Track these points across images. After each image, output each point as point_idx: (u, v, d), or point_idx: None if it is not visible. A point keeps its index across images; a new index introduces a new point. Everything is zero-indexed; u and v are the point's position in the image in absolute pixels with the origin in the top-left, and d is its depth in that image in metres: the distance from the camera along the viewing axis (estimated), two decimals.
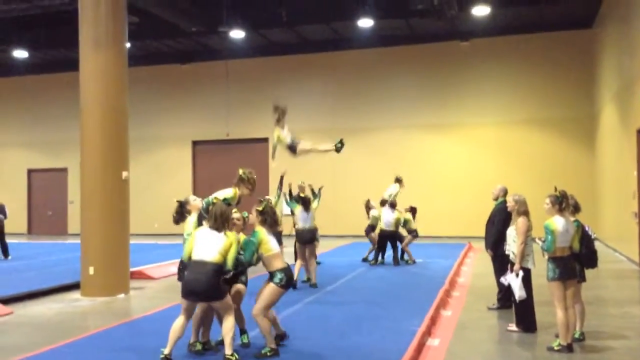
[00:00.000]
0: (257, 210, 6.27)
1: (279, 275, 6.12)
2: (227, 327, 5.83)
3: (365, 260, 14.19)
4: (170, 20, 18.17)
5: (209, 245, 5.81)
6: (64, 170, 24.86)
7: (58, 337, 7.10)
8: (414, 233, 14.10)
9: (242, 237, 6.33)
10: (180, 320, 5.91)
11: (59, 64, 23.79)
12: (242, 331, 6.53)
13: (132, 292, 10.38)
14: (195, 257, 5.83)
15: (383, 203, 14.01)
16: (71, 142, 23.64)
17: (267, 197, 7.17)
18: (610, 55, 16.34)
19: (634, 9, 12.75)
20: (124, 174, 10.44)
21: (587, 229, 6.78)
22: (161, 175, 23.57)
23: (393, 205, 13.83)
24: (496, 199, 8.75)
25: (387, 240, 13.73)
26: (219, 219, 5.91)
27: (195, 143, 23.98)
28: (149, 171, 22.72)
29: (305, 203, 10.98)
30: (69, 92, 23.36)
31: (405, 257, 14.05)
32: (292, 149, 9.79)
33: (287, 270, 6.21)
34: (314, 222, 10.94)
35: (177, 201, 7.10)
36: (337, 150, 9.36)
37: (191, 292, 5.79)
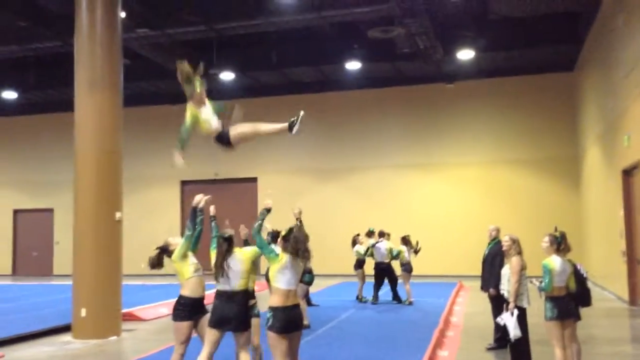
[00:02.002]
0: (282, 238, 5.73)
1: (267, 315, 5.39)
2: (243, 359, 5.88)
3: (359, 299, 14.11)
4: (160, 63, 18.41)
5: (231, 274, 5.86)
6: (50, 211, 24.67)
7: None
8: (406, 267, 13.64)
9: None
10: (204, 356, 5.83)
11: (47, 105, 23.88)
12: None
13: (123, 334, 10.26)
14: (220, 288, 5.91)
15: (369, 234, 14.10)
16: (57, 182, 23.64)
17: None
18: (592, 97, 16.78)
19: (614, 52, 13.19)
20: (117, 214, 10.44)
21: (579, 267, 6.89)
22: (149, 215, 23.48)
23: (382, 235, 13.87)
24: (494, 239, 8.85)
25: (382, 273, 13.69)
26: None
27: (183, 183, 24.00)
28: (137, 211, 22.59)
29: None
30: (57, 133, 23.47)
31: (404, 296, 13.82)
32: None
33: (279, 312, 5.32)
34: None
35: (157, 248, 6.53)
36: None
37: (223, 320, 5.83)
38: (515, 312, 7.05)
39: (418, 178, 21.52)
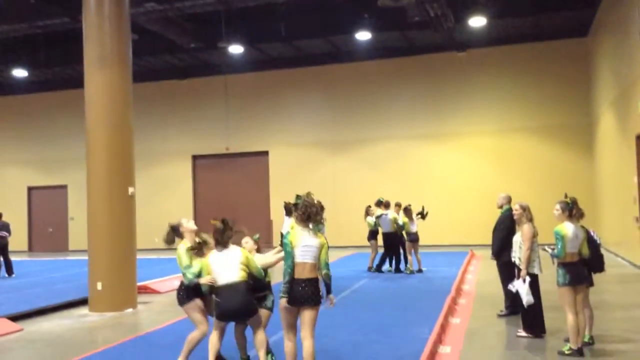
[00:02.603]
0: (293, 206, 5.67)
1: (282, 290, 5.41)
2: (259, 340, 5.87)
3: (371, 269, 14.20)
4: (168, 37, 18.34)
5: (228, 267, 5.79)
6: (64, 187, 24.92)
7: (71, 353, 7.14)
8: (412, 236, 13.71)
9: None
10: (215, 336, 5.88)
11: (58, 82, 23.96)
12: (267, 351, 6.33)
13: (139, 307, 10.42)
14: (220, 282, 5.80)
15: (378, 204, 14.16)
16: (71, 159, 23.80)
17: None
18: (606, 63, 16.54)
19: (629, 16, 12.94)
20: (130, 189, 10.51)
21: (592, 233, 6.87)
22: (162, 190, 23.63)
23: (387, 206, 13.96)
24: (501, 207, 8.84)
25: (389, 243, 13.84)
26: (221, 237, 5.85)
27: (195, 157, 24.08)
28: (150, 186, 22.75)
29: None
30: (68, 110, 23.55)
31: (402, 266, 13.93)
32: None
33: (292, 284, 5.34)
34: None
35: (170, 225, 6.44)
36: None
37: (228, 313, 5.81)
38: (528, 279, 7.07)
39: (430, 148, 21.42)
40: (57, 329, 8.83)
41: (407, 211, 13.94)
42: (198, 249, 6.16)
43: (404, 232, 13.84)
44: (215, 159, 23.89)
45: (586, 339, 6.69)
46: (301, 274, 5.34)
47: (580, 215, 6.77)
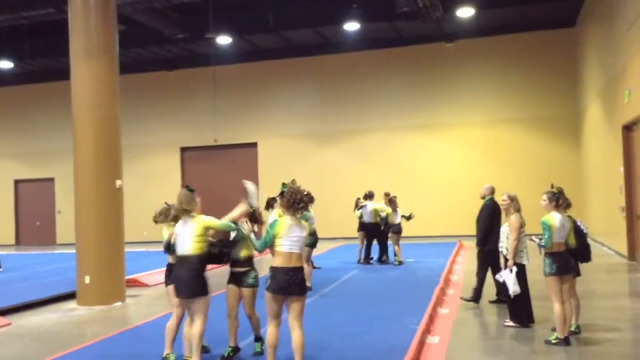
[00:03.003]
0: (279, 195, 5.69)
1: (268, 275, 5.42)
2: (196, 331, 5.59)
3: (360, 261, 14.25)
4: (155, 28, 18.20)
5: (183, 239, 5.68)
6: (51, 180, 24.75)
7: (59, 347, 7.11)
8: (394, 228, 13.71)
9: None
10: (171, 320, 6.04)
11: (44, 73, 23.72)
12: (257, 338, 6.39)
13: (128, 300, 10.38)
14: (177, 254, 5.72)
15: (366, 197, 14.22)
16: (58, 151, 23.62)
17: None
18: (593, 53, 16.61)
19: (615, 6, 13.00)
20: (118, 182, 10.46)
21: (579, 223, 6.93)
22: (150, 182, 23.51)
23: (370, 197, 14.06)
24: (483, 198, 8.96)
25: (369, 233, 13.92)
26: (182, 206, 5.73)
27: (183, 149, 23.98)
28: (138, 179, 22.64)
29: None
30: (55, 102, 23.35)
31: (389, 257, 14.01)
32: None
33: (278, 273, 5.33)
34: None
35: (166, 203, 6.51)
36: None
37: (176, 288, 5.72)
38: (514, 269, 7.13)
39: (418, 139, 21.46)
40: (46, 323, 8.79)
41: (392, 202, 13.96)
42: (165, 214, 6.22)
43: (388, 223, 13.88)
44: (203, 150, 23.80)
45: (572, 328, 6.76)
46: (288, 262, 5.35)
47: (567, 205, 6.82)
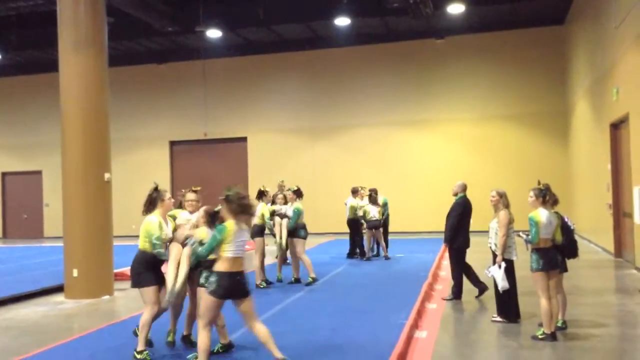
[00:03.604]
0: (224, 200, 5.52)
1: (211, 279, 5.40)
2: (143, 319, 6.11)
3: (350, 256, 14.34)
4: (145, 20, 18.08)
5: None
6: (38, 173, 24.57)
7: (47, 340, 7.09)
8: (370, 223, 13.61)
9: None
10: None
11: (32, 65, 23.51)
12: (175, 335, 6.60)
13: (116, 294, 10.36)
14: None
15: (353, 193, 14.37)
16: (45, 144, 23.46)
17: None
18: (582, 51, 16.71)
19: (605, 4, 13.06)
20: (106, 175, 10.41)
21: (566, 220, 6.98)
22: (138, 176, 23.37)
23: (353, 192, 14.22)
24: (456, 195, 9.07)
25: (350, 229, 14.14)
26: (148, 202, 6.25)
27: (172, 143, 23.88)
28: (126, 172, 22.53)
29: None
30: (43, 94, 23.17)
31: (367, 251, 14.07)
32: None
33: (226, 277, 5.31)
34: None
35: (155, 184, 6.48)
36: None
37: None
38: (503, 264, 7.18)
39: (408, 135, 21.51)
40: (33, 315, 8.75)
41: (370, 197, 13.89)
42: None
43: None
44: (193, 144, 23.72)
45: (559, 324, 6.82)
46: (234, 267, 5.37)
47: (555, 201, 6.87)
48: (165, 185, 23.45)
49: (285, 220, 10.63)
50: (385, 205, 14.34)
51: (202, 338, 5.34)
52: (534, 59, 20.27)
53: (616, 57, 12.25)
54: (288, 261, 12.03)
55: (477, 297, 8.85)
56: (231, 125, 22.98)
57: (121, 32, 18.73)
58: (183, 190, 7.06)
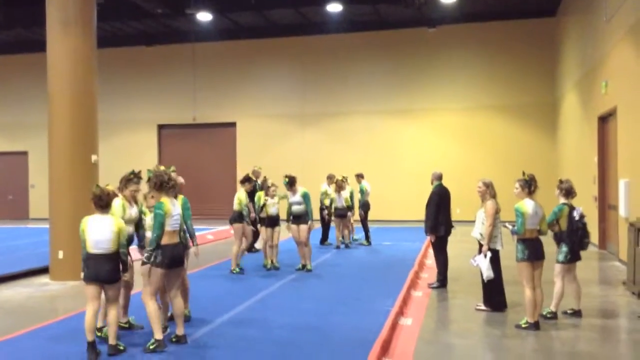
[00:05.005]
0: (147, 182, 6.05)
1: (156, 254, 5.76)
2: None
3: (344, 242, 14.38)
4: (135, 1, 17.87)
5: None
6: (24, 154, 24.34)
7: (32, 321, 7.06)
8: (337, 211, 13.63)
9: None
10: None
11: (19, 44, 23.19)
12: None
13: None
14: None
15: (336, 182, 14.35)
16: (31, 125, 23.21)
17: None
18: (572, 44, 16.75)
19: None
20: (93, 157, 10.34)
21: (575, 213, 6.99)
22: (126, 159, 23.17)
23: (329, 178, 14.12)
24: (432, 184, 9.15)
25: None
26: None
27: (160, 127, 23.72)
28: (113, 155, 22.32)
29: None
30: (30, 74, 22.87)
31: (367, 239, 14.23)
32: None
33: (169, 249, 5.77)
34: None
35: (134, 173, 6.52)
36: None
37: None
38: (489, 254, 7.22)
39: (397, 123, 21.51)
40: (18, 297, 8.70)
41: (337, 184, 13.72)
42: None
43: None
44: (181, 129, 23.58)
45: (569, 311, 7.08)
46: (175, 239, 5.89)
47: (568, 193, 7.00)
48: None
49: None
50: (352, 195, 14.10)
51: (151, 306, 5.77)
52: (524, 51, 20.30)
53: (606, 50, 12.29)
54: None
55: (430, 285, 9.02)
56: (220, 110, 22.85)
57: (110, 13, 18.48)
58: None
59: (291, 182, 10.57)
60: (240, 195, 10.54)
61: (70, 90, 10.10)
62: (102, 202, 5.84)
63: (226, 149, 23.12)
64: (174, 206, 5.89)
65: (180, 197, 6.65)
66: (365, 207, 14.54)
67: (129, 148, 23.40)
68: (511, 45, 20.39)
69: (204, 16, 19.03)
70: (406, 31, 21.10)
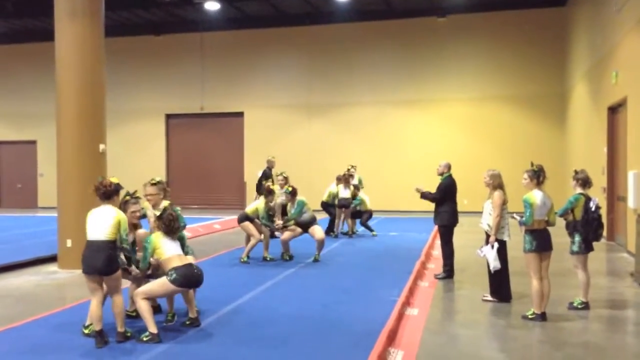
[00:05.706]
0: (156, 216, 6.25)
1: (171, 273, 5.90)
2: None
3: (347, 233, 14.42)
4: None
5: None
6: (33, 143, 24.47)
7: (41, 309, 7.12)
8: (340, 202, 13.96)
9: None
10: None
11: (28, 33, 23.27)
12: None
13: None
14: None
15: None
16: (40, 114, 23.31)
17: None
18: (582, 34, 16.61)
19: None
20: (101, 146, 10.36)
21: (591, 203, 6.97)
22: (134, 148, 23.34)
23: (338, 179, 14.25)
24: (441, 175, 9.12)
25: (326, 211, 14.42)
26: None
27: (168, 116, 23.77)
28: (121, 145, 22.44)
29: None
30: (39, 63, 22.95)
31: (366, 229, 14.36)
32: None
33: (181, 269, 5.92)
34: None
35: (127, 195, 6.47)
36: None
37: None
38: (496, 245, 7.21)
39: (405, 114, 21.45)
40: (26, 285, 8.77)
41: (344, 178, 14.01)
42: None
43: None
44: (189, 118, 23.62)
45: (577, 304, 6.99)
46: (184, 261, 6.01)
47: (585, 183, 6.99)
48: (160, 158, 23.42)
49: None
50: (360, 181, 14.63)
51: (142, 303, 5.80)
52: (534, 40, 20.16)
53: (616, 40, 12.18)
54: None
55: (436, 275, 9.03)
56: (228, 100, 22.85)
57: (118, 3, 18.55)
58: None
59: (293, 193, 10.61)
60: (259, 206, 10.51)
61: (78, 80, 10.12)
62: (100, 193, 5.89)
63: (234, 139, 23.15)
64: (167, 241, 6.02)
65: (166, 202, 6.64)
66: (367, 213, 14.50)
67: (137, 137, 23.48)
68: (520, 35, 20.25)
69: (212, 5, 19.01)
70: (415, 20, 20.99)
